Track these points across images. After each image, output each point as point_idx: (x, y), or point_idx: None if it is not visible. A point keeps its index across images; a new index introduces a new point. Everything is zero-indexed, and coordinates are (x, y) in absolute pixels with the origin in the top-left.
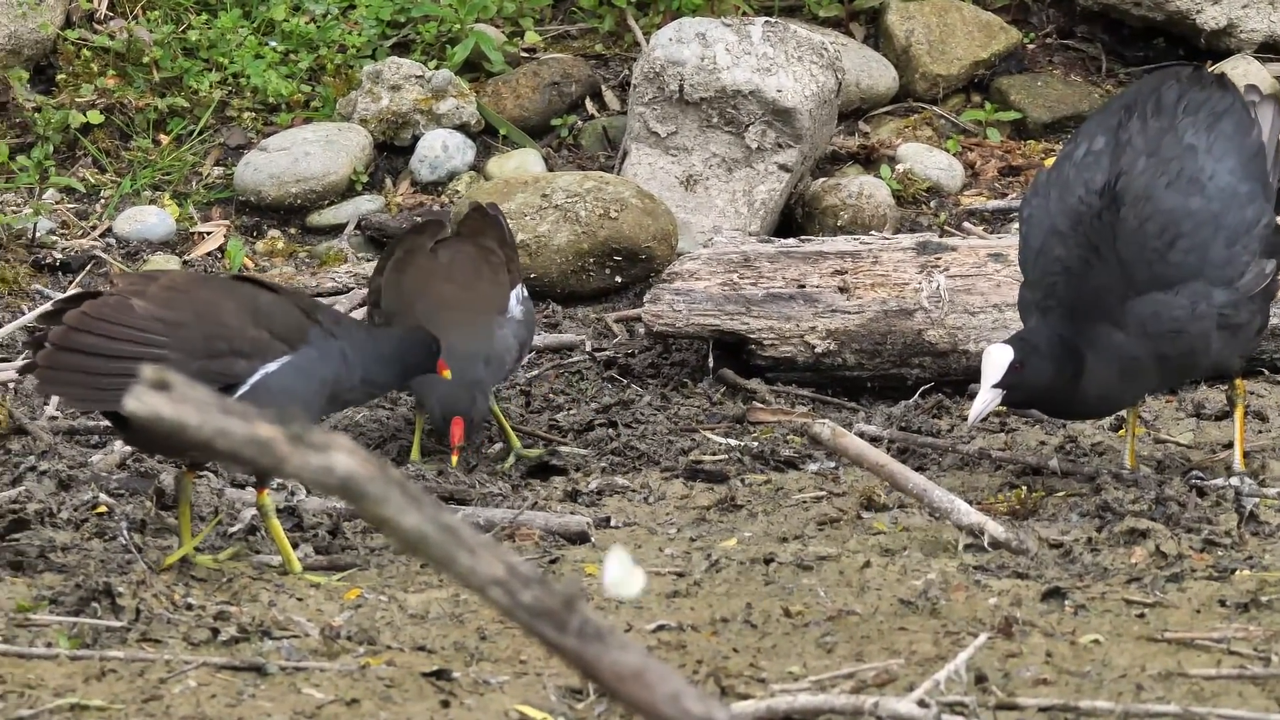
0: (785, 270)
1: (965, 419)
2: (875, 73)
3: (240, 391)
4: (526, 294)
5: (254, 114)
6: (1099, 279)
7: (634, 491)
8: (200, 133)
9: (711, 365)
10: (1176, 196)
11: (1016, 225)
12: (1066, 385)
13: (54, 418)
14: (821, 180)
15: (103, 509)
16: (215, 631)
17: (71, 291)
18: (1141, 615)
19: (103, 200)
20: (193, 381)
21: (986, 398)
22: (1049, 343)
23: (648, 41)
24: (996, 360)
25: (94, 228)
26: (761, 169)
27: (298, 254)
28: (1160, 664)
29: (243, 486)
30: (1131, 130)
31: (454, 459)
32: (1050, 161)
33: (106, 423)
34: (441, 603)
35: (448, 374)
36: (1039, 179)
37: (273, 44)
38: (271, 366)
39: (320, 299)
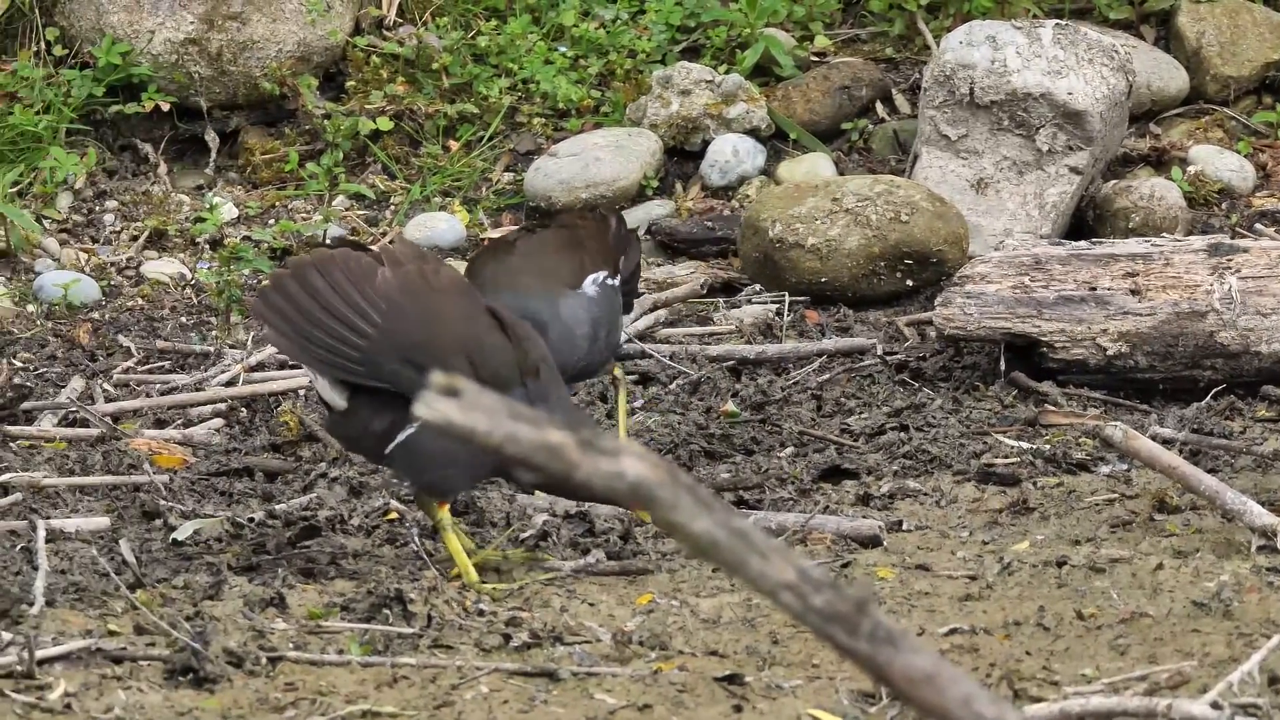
0: (1076, 273)
1: (1257, 420)
2: (1165, 75)
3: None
4: (614, 284)
5: (543, 119)
6: None
7: (926, 495)
8: (490, 138)
9: (1003, 368)
10: None
11: None
12: None
13: None
14: (1112, 182)
15: (394, 515)
16: (507, 638)
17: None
18: None
19: (392, 207)
20: (481, 388)
21: None
22: None
23: (938, 45)
24: None
25: (384, 234)
26: (1052, 172)
27: None
28: None
29: (531, 492)
30: None
31: None
32: None
33: None
34: (733, 607)
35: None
36: None
37: (562, 49)
38: None
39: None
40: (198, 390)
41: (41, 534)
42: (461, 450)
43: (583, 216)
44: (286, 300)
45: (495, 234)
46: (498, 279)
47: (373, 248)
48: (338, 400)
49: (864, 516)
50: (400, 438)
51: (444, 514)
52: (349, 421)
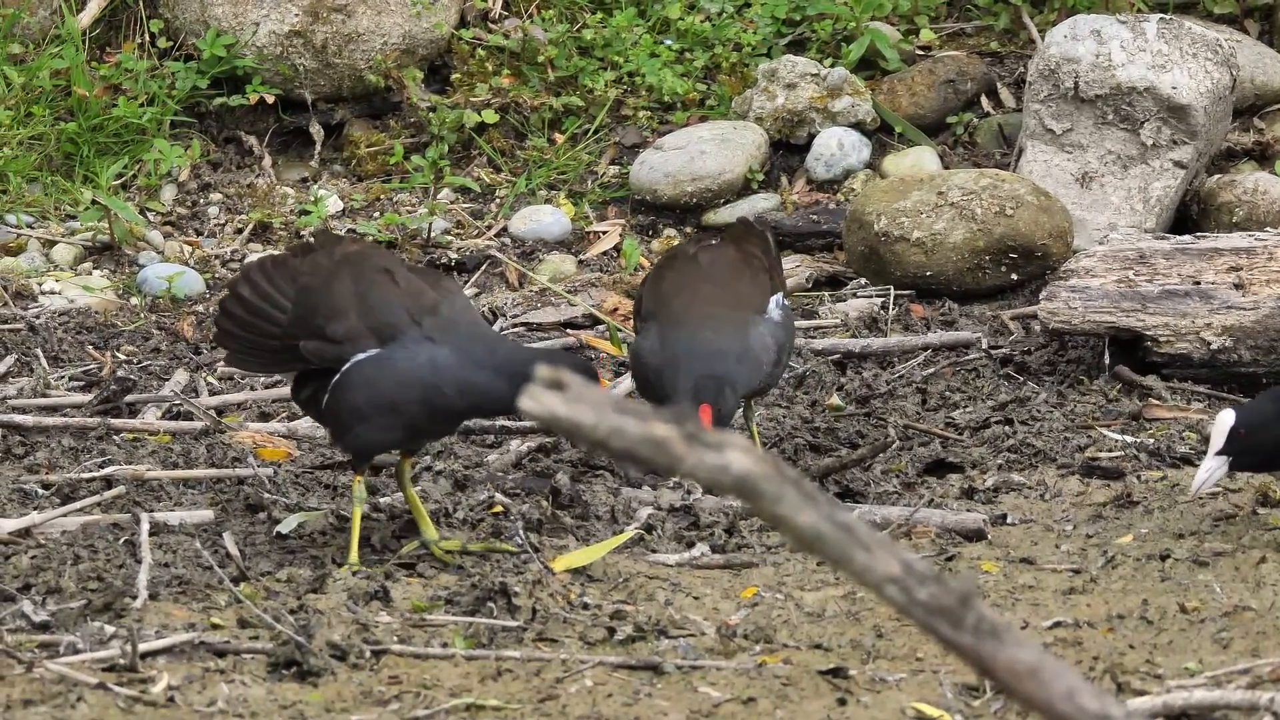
0: (1180, 267)
1: None
2: (1269, 69)
3: (333, 379)
4: (788, 303)
5: (649, 113)
6: None
7: (1030, 489)
8: (595, 131)
9: (1107, 362)
10: None
11: None
12: None
13: None
14: (1216, 177)
15: (498, 508)
16: (611, 631)
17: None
18: None
19: (498, 200)
20: (585, 382)
21: (1211, 465)
22: (1273, 403)
23: (1043, 39)
24: (1220, 426)
25: (489, 227)
26: (1156, 166)
27: None
28: None
29: (639, 486)
30: None
31: None
32: None
33: (501, 421)
34: (837, 600)
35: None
36: None
37: (668, 42)
38: (359, 356)
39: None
40: None
41: (145, 527)
42: (362, 402)
43: (746, 231)
44: (227, 319)
45: (600, 227)
46: (689, 312)
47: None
48: (288, 377)
49: (968, 510)
50: (321, 403)
51: (357, 486)
52: (296, 392)
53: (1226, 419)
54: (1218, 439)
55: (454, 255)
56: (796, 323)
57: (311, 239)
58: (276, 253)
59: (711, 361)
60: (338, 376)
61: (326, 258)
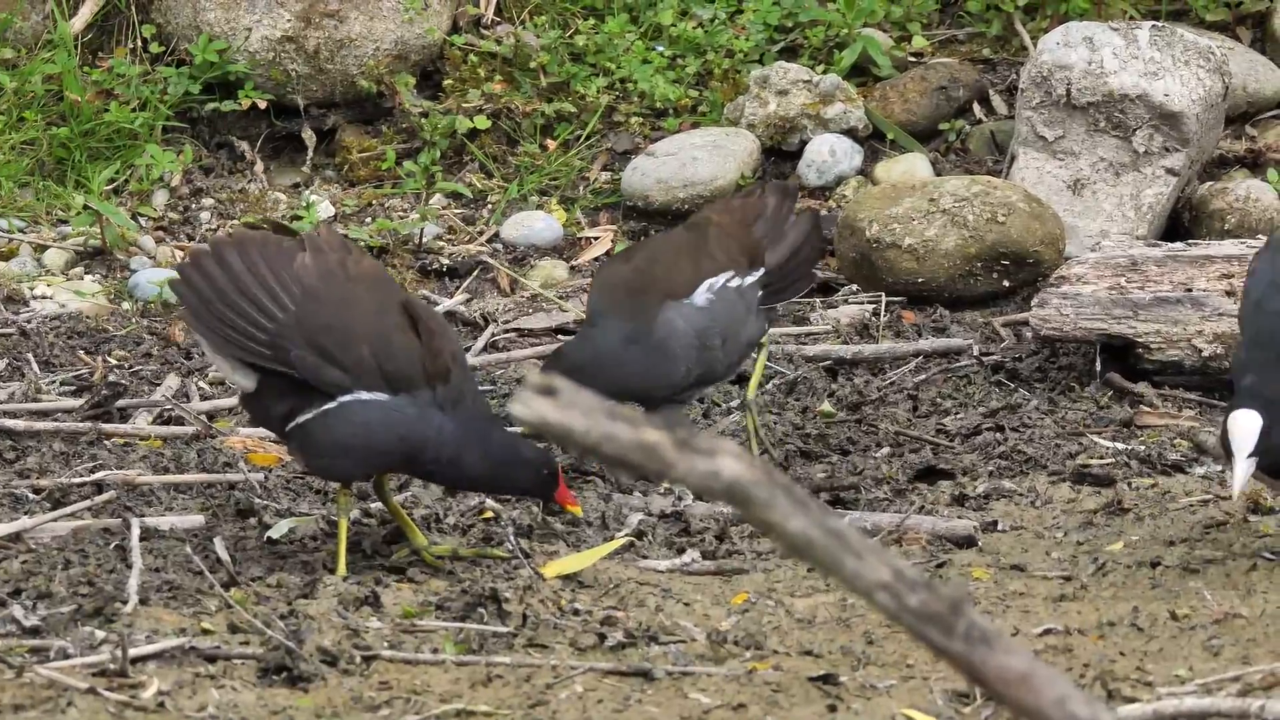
0: (1172, 274)
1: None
2: (1262, 76)
3: (326, 406)
4: (743, 283)
5: (641, 119)
6: None
7: (1021, 495)
8: (587, 137)
9: (1099, 369)
10: None
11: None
12: None
13: None
14: (1208, 184)
15: (489, 514)
16: (602, 637)
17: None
18: None
19: (489, 205)
20: (577, 384)
21: (1244, 468)
22: None
23: (1035, 46)
24: (1246, 427)
25: (481, 233)
26: (1149, 173)
27: None
28: None
29: (629, 492)
30: None
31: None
32: None
33: None
34: (828, 607)
35: (575, 509)
36: (1267, 242)
37: (660, 49)
38: (364, 395)
39: None
40: None
41: (136, 532)
42: (355, 441)
43: (746, 197)
44: (203, 278)
45: (592, 232)
46: (600, 297)
47: (298, 232)
48: (245, 383)
49: (959, 517)
50: (298, 420)
51: (343, 498)
52: (255, 403)
53: (1253, 420)
54: (1247, 440)
55: (446, 261)
56: (791, 330)
57: (317, 233)
58: (270, 233)
59: (587, 357)
60: (334, 406)
61: (340, 268)
